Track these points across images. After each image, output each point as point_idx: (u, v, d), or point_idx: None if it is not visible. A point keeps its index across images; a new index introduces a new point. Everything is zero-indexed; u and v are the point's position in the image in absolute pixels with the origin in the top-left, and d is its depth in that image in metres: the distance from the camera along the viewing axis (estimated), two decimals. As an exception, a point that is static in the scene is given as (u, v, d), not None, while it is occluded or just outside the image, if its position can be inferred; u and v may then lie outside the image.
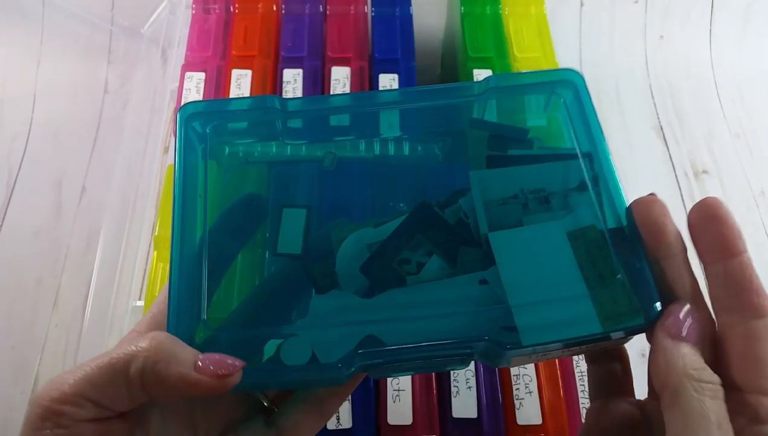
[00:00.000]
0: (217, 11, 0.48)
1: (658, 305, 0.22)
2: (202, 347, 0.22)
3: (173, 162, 0.26)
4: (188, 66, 0.45)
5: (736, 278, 0.21)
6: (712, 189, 0.56)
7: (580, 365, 0.37)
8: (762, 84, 0.63)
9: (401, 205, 0.27)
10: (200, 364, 0.20)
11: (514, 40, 0.47)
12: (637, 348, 0.30)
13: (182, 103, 0.28)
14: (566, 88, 0.28)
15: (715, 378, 0.20)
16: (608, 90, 0.61)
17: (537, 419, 0.35)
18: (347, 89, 0.44)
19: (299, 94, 0.44)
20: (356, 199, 0.27)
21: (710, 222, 0.21)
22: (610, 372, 0.27)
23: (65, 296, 0.48)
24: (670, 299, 0.22)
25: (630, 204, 0.24)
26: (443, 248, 0.26)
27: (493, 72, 0.45)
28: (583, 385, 0.36)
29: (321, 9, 0.48)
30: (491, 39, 0.47)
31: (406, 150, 0.29)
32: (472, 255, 0.25)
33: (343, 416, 0.35)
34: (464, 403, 0.36)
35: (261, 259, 0.27)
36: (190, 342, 0.22)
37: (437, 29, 0.56)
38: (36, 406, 0.19)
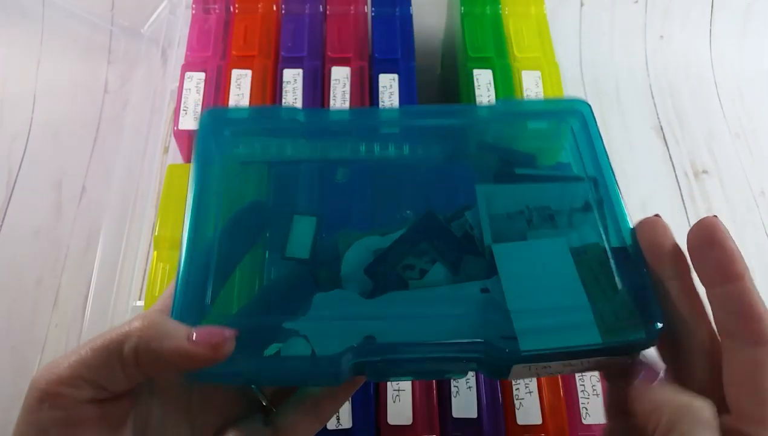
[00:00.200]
0: (217, 11, 0.48)
1: (659, 324, 0.22)
2: None
3: (191, 161, 0.26)
4: (188, 66, 0.45)
5: (736, 304, 0.20)
6: (712, 189, 0.56)
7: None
8: (762, 84, 0.63)
9: (407, 212, 0.27)
10: (194, 337, 0.20)
11: (514, 40, 0.47)
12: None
13: (207, 108, 0.29)
14: (574, 117, 0.28)
15: (707, 405, 0.20)
16: (608, 90, 0.61)
17: (537, 419, 0.35)
18: (347, 89, 0.44)
19: (299, 94, 0.44)
20: (362, 205, 0.28)
21: (708, 247, 0.21)
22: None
23: (65, 296, 0.48)
24: (674, 318, 0.22)
25: (635, 225, 0.24)
26: (447, 257, 0.26)
27: (493, 72, 0.45)
28: (583, 385, 0.36)
29: (321, 9, 0.48)
30: (491, 39, 0.47)
31: (406, 151, 0.29)
32: (475, 265, 0.26)
33: (343, 416, 0.35)
34: (464, 403, 0.36)
35: (261, 259, 0.27)
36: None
37: (437, 29, 0.56)
38: (33, 390, 0.20)
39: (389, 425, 0.35)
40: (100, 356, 0.20)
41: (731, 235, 0.21)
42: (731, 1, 0.65)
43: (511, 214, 0.26)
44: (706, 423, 0.19)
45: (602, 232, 0.25)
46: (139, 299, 0.42)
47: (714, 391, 0.21)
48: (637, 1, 0.65)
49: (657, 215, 0.23)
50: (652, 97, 0.62)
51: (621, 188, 0.26)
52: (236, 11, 0.48)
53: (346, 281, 0.25)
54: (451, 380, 0.36)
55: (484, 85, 0.44)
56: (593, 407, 0.36)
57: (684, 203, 0.55)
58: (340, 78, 0.45)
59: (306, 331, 0.23)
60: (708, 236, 0.21)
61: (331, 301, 0.25)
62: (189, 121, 0.43)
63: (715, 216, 0.22)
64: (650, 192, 0.55)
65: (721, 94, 0.62)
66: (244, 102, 0.43)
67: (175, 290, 0.23)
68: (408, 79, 0.45)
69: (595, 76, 0.62)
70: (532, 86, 0.44)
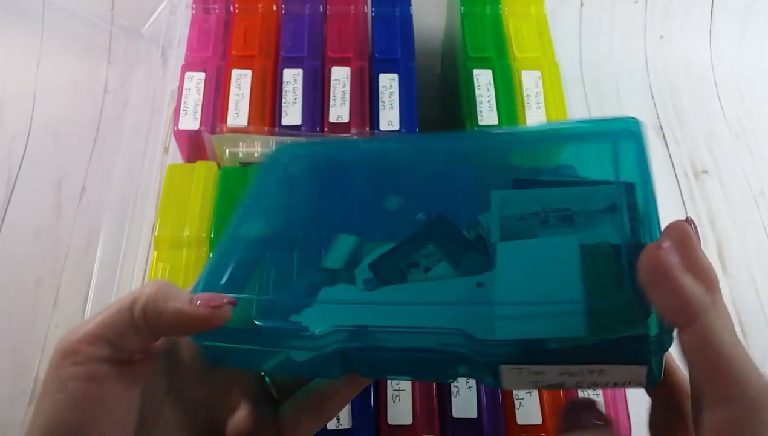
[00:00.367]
0: (217, 11, 0.48)
1: (655, 325, 0.20)
2: None
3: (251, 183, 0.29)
4: (188, 66, 0.45)
5: (690, 351, 0.18)
6: (712, 189, 0.56)
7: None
8: (762, 84, 0.63)
9: (420, 215, 0.27)
10: (197, 302, 0.23)
11: (514, 40, 0.47)
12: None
13: (278, 147, 0.31)
14: (628, 139, 0.25)
15: None
16: (608, 90, 0.61)
17: (537, 419, 0.35)
18: (347, 89, 0.44)
19: (299, 94, 0.44)
20: (403, 227, 0.28)
21: (656, 283, 0.19)
22: (674, 408, 0.23)
23: (65, 296, 0.48)
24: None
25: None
26: (451, 254, 0.26)
27: (493, 72, 0.45)
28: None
29: (321, 9, 0.48)
30: (491, 39, 0.47)
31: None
32: (478, 262, 0.25)
33: (343, 416, 0.35)
34: (464, 403, 0.36)
35: (290, 262, 0.28)
36: None
37: (437, 29, 0.56)
38: (57, 348, 0.22)
39: (389, 425, 0.35)
40: (114, 314, 0.22)
41: (697, 235, 0.19)
42: (731, 1, 0.65)
43: (525, 215, 0.25)
44: None
45: (625, 232, 0.23)
46: (139, 299, 0.42)
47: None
48: (637, 1, 0.65)
49: (688, 219, 0.21)
50: (652, 97, 0.62)
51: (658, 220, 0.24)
52: (236, 11, 0.48)
53: (357, 281, 0.26)
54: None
55: (484, 85, 0.44)
56: (593, 407, 0.36)
57: (684, 203, 0.55)
58: (340, 78, 0.45)
59: (297, 311, 0.24)
60: (655, 269, 0.19)
61: (333, 292, 0.26)
62: (189, 121, 0.43)
63: (688, 218, 0.20)
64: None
65: (721, 94, 0.62)
66: (244, 102, 0.43)
67: (202, 273, 0.25)
68: (408, 79, 0.45)
69: (595, 76, 0.62)
70: (532, 86, 0.44)
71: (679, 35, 0.65)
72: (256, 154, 0.42)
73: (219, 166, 0.42)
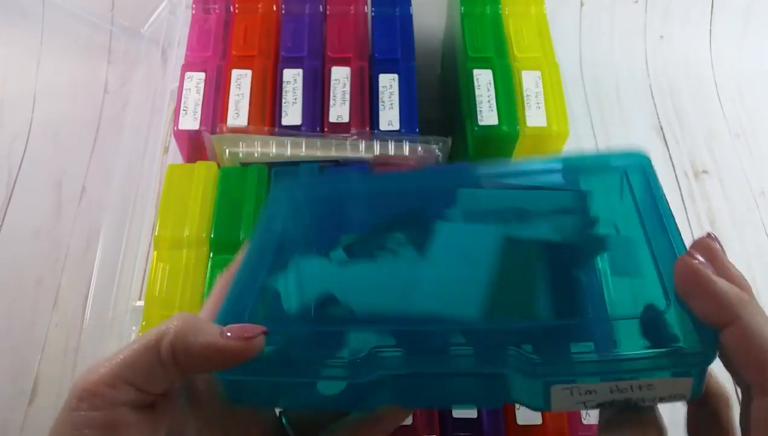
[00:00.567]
0: (217, 11, 0.48)
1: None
2: None
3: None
4: (188, 66, 0.45)
5: (733, 348, 0.19)
6: (712, 189, 0.56)
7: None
8: (762, 84, 0.63)
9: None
10: (227, 333, 0.21)
11: (514, 40, 0.47)
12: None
13: (297, 185, 0.34)
14: (636, 173, 0.27)
15: None
16: (608, 90, 0.61)
17: (537, 419, 0.35)
18: (347, 89, 0.44)
19: (299, 94, 0.44)
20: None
21: (694, 289, 0.20)
22: (710, 412, 0.23)
23: (65, 296, 0.49)
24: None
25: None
26: (416, 240, 0.28)
27: (493, 72, 0.45)
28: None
29: (321, 9, 0.48)
30: (491, 39, 0.47)
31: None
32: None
33: (343, 416, 0.35)
34: (464, 403, 0.36)
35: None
36: None
37: (437, 29, 0.56)
38: (74, 388, 0.20)
39: (389, 425, 0.35)
40: (140, 353, 0.20)
41: (722, 248, 0.20)
42: (731, 1, 0.65)
43: (487, 211, 0.28)
44: None
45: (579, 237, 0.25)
46: (139, 299, 0.42)
47: None
48: (637, 1, 0.65)
49: (710, 235, 0.22)
50: (652, 97, 0.62)
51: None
52: (236, 11, 0.48)
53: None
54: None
55: (484, 85, 0.44)
56: (593, 407, 0.36)
57: (684, 203, 0.55)
58: (340, 78, 0.45)
59: (329, 339, 0.25)
60: (691, 278, 0.20)
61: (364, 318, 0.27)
62: (189, 121, 0.43)
63: (709, 234, 0.21)
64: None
65: (721, 94, 0.62)
66: (244, 102, 0.43)
67: (227, 297, 0.25)
68: (408, 79, 0.45)
69: (595, 76, 0.62)
70: (532, 86, 0.44)
71: (679, 35, 0.65)
72: (256, 154, 0.42)
73: (219, 166, 0.42)
